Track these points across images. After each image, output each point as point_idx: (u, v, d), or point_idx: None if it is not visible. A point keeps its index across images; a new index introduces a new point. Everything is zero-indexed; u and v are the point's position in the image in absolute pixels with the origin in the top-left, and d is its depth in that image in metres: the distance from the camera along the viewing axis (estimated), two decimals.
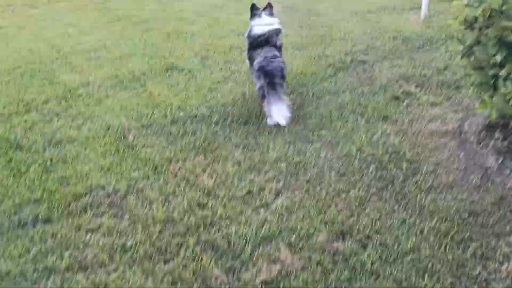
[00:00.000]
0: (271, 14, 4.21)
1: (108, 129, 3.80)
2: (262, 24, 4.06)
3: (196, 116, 3.93)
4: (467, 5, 3.08)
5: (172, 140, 3.62)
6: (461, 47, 3.28)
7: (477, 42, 3.13)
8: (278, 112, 3.66)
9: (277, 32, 4.07)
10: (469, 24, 3.07)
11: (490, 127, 3.39)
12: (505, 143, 3.15)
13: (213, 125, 3.79)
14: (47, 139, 3.70)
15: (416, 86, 4.15)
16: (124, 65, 5.00)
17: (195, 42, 5.56)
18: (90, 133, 3.76)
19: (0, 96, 4.44)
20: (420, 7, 6.11)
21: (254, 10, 4.16)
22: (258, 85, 3.81)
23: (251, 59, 4.00)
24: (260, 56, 3.84)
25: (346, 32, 5.57)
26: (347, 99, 4.02)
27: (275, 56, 3.84)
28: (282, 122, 3.63)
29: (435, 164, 3.12)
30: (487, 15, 2.73)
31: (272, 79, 3.69)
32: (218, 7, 6.86)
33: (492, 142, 3.21)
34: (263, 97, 3.76)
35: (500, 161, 3.05)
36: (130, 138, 3.68)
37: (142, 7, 7.06)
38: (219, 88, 4.42)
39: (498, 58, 2.80)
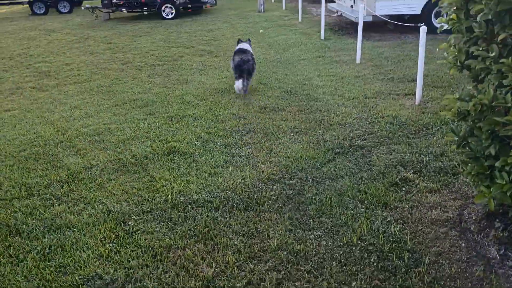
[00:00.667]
0: (249, 42, 7.62)
1: (109, 214, 3.81)
2: (242, 44, 7.40)
3: (196, 201, 3.96)
4: (458, 99, 3.21)
5: (172, 226, 3.62)
6: (456, 137, 3.38)
7: (471, 133, 3.23)
8: (237, 85, 6.80)
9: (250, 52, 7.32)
10: (462, 116, 3.18)
11: (489, 216, 3.41)
12: (506, 233, 3.15)
13: (213, 211, 3.80)
14: (47, 224, 3.70)
15: (414, 172, 4.21)
16: (127, 149, 5.10)
17: (196, 126, 5.70)
18: (90, 218, 3.76)
19: (3, 180, 4.49)
20: (415, 93, 6.34)
21: (239, 41, 7.62)
22: (235, 74, 6.92)
23: (233, 60, 7.04)
24: (238, 58, 6.90)
25: (344, 117, 5.73)
26: (346, 185, 4.06)
27: (248, 60, 6.90)
28: (237, 88, 6.81)
29: (437, 254, 3.10)
30: (479, 110, 2.83)
31: (241, 73, 6.82)
32: (220, 91, 7.10)
33: (492, 232, 3.21)
34: (236, 78, 6.89)
35: (501, 251, 3.03)
36: (130, 223, 3.68)
37: (147, 91, 7.31)
38: (220, 172, 4.48)
39: (492, 150, 2.87)
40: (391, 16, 10.51)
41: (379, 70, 7.71)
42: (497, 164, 2.90)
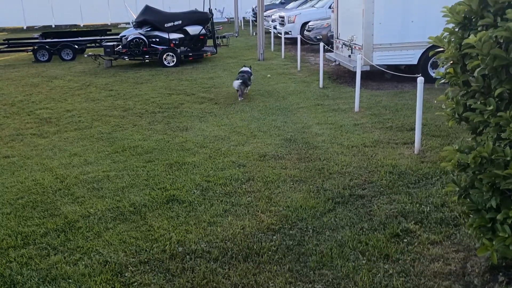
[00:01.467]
0: (249, 68, 10.46)
1: (105, 265, 3.74)
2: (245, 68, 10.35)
3: (195, 252, 3.90)
4: (458, 150, 3.23)
5: (170, 278, 3.55)
6: (456, 188, 3.37)
7: (472, 185, 3.23)
8: (234, 83, 9.72)
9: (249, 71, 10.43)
10: (462, 168, 3.19)
11: (493, 269, 3.35)
12: (510, 287, 3.08)
13: (212, 262, 3.74)
14: (42, 275, 3.63)
15: (415, 223, 4.17)
16: (126, 197, 5.07)
17: (196, 174, 5.69)
18: (86, 269, 3.69)
19: None
20: (413, 142, 6.38)
21: (244, 66, 10.57)
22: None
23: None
24: (240, 74, 10.07)
25: (344, 165, 5.74)
26: (347, 236, 4.01)
27: (244, 75, 10.08)
28: (235, 85, 9.83)
29: None
30: (478, 162, 2.85)
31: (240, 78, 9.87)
32: (220, 138, 7.14)
33: (496, 286, 3.15)
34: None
35: None
36: (127, 275, 3.60)
37: (147, 138, 7.35)
38: (219, 221, 4.44)
39: (493, 203, 2.86)
40: (388, 66, 10.74)
41: (378, 118, 7.79)
42: (498, 217, 2.88)
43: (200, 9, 16.75)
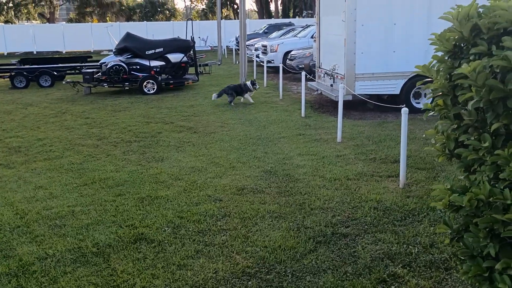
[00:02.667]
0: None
1: None
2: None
3: None
4: (450, 190, 2.94)
5: None
6: (448, 230, 3.07)
7: (466, 228, 2.92)
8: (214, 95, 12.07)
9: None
10: (455, 209, 2.89)
11: None
12: None
13: None
14: None
15: (403, 267, 3.84)
16: (90, 235, 4.66)
17: (168, 209, 5.31)
18: None
19: None
20: (398, 175, 6.11)
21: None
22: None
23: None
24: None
25: (326, 200, 5.42)
26: (329, 282, 3.66)
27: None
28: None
29: None
30: (474, 205, 2.55)
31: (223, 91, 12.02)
32: (197, 170, 6.79)
33: None
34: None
35: None
36: None
37: (119, 169, 6.96)
38: (190, 264, 4.05)
39: (492, 251, 2.55)
40: (371, 96, 10.58)
41: (361, 149, 7.54)
42: (497, 266, 2.57)
43: (183, 37, 16.58)
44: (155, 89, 14.72)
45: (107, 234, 4.66)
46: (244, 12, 15.86)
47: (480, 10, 2.75)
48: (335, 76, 10.80)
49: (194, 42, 15.82)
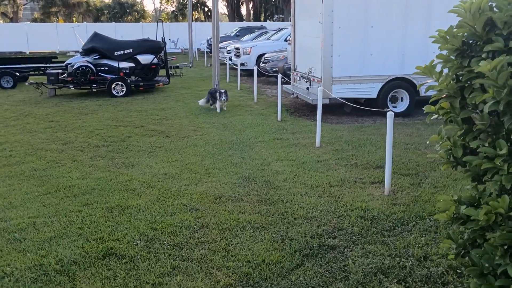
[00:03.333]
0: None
1: None
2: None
3: None
4: (457, 201, 2.68)
5: None
6: (453, 245, 2.81)
7: (475, 243, 2.67)
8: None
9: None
10: (463, 221, 2.63)
11: None
12: None
13: None
14: None
15: (398, 282, 3.57)
16: (53, 251, 4.21)
17: (141, 220, 4.91)
18: None
19: None
20: (382, 182, 5.88)
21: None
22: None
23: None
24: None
25: (309, 209, 5.12)
26: None
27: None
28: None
29: None
30: (492, 220, 2.29)
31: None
32: (170, 176, 6.39)
33: None
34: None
35: None
36: None
37: (86, 176, 6.49)
38: (166, 282, 3.67)
39: (510, 270, 2.29)
40: (348, 99, 10.39)
41: (341, 155, 7.29)
42: None
43: (153, 38, 16.06)
44: (124, 92, 14.19)
45: (72, 249, 4.23)
46: (217, 14, 15.47)
47: (492, 3, 2.50)
48: (312, 79, 10.57)
49: (165, 43, 15.34)
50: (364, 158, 7.04)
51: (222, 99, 11.13)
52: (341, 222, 4.74)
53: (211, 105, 11.57)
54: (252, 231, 4.60)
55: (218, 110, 11.27)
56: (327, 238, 4.38)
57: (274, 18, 48.65)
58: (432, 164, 6.61)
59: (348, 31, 9.75)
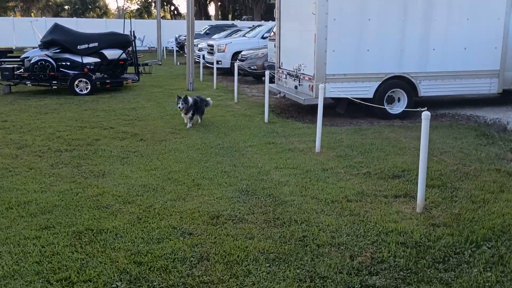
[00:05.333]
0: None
1: None
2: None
3: None
4: None
5: None
6: None
7: None
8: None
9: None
10: None
11: None
12: None
13: None
14: None
15: None
16: None
17: (119, 249, 3.78)
18: None
19: None
20: (406, 195, 4.96)
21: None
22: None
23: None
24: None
25: (332, 231, 4.12)
26: None
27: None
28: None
29: None
30: None
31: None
32: (151, 189, 5.27)
33: None
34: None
35: None
36: None
37: (46, 188, 5.28)
38: None
39: None
40: (341, 99, 9.48)
41: (348, 162, 6.33)
42: None
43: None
44: (88, 89, 12.84)
45: None
46: (192, 9, 14.35)
47: None
48: (302, 77, 9.60)
49: (135, 37, 14.05)
50: (375, 166, 6.10)
51: (179, 105, 8.50)
52: (379, 251, 3.75)
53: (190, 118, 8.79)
54: (267, 264, 3.55)
55: (199, 121, 9.05)
56: (367, 275, 3.39)
57: (243, 18, 47.65)
58: (457, 173, 5.73)
59: (343, 23, 8.84)
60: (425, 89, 9.45)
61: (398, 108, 9.46)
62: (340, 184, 5.43)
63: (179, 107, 8.54)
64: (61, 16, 47.82)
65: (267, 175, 5.79)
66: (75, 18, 39.45)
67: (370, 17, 8.93)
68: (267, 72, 9.36)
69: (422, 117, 4.42)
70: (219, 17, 49.19)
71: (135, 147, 7.25)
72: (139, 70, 14.48)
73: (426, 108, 4.62)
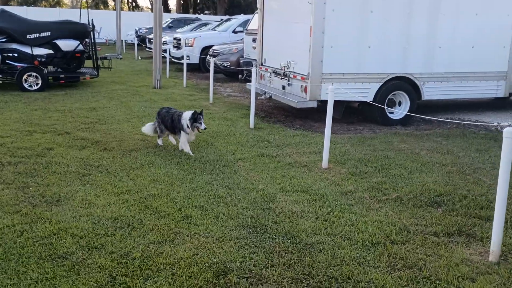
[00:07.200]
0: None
1: None
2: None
3: None
4: None
5: None
6: None
7: None
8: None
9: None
10: None
11: None
12: None
13: None
14: None
15: None
16: None
17: None
18: None
19: None
20: (461, 232, 3.88)
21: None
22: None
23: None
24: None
25: None
26: None
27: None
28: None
29: None
30: None
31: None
32: (125, 225, 3.92)
33: None
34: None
35: None
36: None
37: None
38: None
39: None
40: (338, 103, 8.33)
41: (367, 183, 5.17)
42: None
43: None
44: (39, 85, 11.14)
45: None
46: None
47: None
48: (292, 76, 8.39)
49: (94, 27, 12.40)
50: (404, 189, 4.96)
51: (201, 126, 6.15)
52: None
53: (159, 137, 6.64)
54: None
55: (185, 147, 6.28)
56: None
57: (205, 12, 45.99)
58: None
59: (343, 15, 7.69)
60: (429, 92, 8.45)
61: (399, 113, 8.42)
62: (371, 215, 4.24)
63: (204, 129, 6.18)
64: (10, 5, 44.59)
65: (274, 202, 4.53)
66: (25, 6, 36.66)
67: (372, 9, 7.82)
68: (253, 70, 8.08)
69: (505, 135, 3.29)
70: (180, 10, 47.35)
71: (99, 159, 5.82)
72: (98, 64, 12.84)
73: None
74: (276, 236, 3.79)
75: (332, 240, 3.73)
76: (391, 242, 3.72)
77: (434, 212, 4.36)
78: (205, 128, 6.23)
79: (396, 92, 8.35)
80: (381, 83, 8.10)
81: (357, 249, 3.58)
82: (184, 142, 6.21)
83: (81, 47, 12.06)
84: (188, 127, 6.10)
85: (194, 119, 6.09)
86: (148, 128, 6.65)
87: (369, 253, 3.53)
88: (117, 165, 5.62)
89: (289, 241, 3.70)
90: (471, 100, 10.44)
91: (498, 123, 6.78)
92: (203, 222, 4.03)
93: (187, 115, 6.17)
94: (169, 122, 6.37)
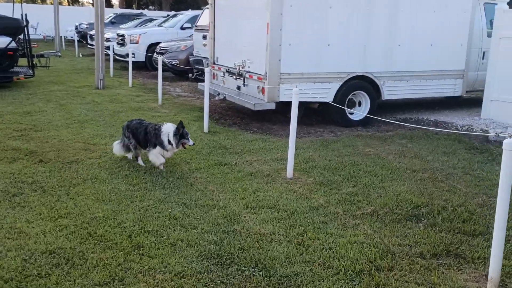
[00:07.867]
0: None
1: None
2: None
3: None
4: None
5: None
6: None
7: None
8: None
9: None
10: None
11: None
12: None
13: None
14: None
15: None
16: None
17: None
18: None
19: None
20: (449, 252, 3.51)
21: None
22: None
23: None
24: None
25: None
26: None
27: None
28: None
29: None
30: None
31: None
32: (63, 261, 3.27)
33: None
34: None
35: None
36: None
37: None
38: None
39: None
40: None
41: (338, 194, 4.72)
42: None
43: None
44: None
45: None
46: None
47: None
48: (247, 75, 7.85)
49: (28, 22, 11.32)
50: (378, 201, 4.55)
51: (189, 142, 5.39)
52: None
53: (136, 156, 5.64)
54: None
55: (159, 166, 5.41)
56: None
57: (150, 8, 44.54)
58: (488, 210, 4.36)
59: (301, 11, 7.23)
60: (389, 92, 8.19)
61: (359, 114, 8.08)
62: (349, 235, 3.79)
63: (192, 145, 5.41)
64: None
65: (239, 222, 3.99)
66: None
67: (331, 4, 7.41)
68: (207, 70, 7.48)
69: (505, 147, 2.90)
70: (124, 5, 45.63)
71: (33, 174, 5.05)
72: (34, 62, 11.74)
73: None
74: (245, 267, 3.25)
75: (310, 269, 3.24)
76: (376, 269, 3.27)
77: (415, 228, 3.97)
78: (193, 144, 5.43)
79: (356, 92, 8.01)
80: (341, 83, 7.73)
81: (340, 281, 3.11)
82: (156, 154, 5.31)
83: (13, 44, 10.95)
84: (170, 143, 5.21)
85: (181, 134, 5.22)
86: (117, 148, 5.60)
87: (354, 285, 3.07)
88: (55, 180, 4.88)
89: (260, 273, 3.18)
90: (425, 98, 10.33)
91: (496, 132, 6.55)
92: (158, 252, 3.43)
93: (168, 129, 5.24)
94: (142, 135, 5.40)
